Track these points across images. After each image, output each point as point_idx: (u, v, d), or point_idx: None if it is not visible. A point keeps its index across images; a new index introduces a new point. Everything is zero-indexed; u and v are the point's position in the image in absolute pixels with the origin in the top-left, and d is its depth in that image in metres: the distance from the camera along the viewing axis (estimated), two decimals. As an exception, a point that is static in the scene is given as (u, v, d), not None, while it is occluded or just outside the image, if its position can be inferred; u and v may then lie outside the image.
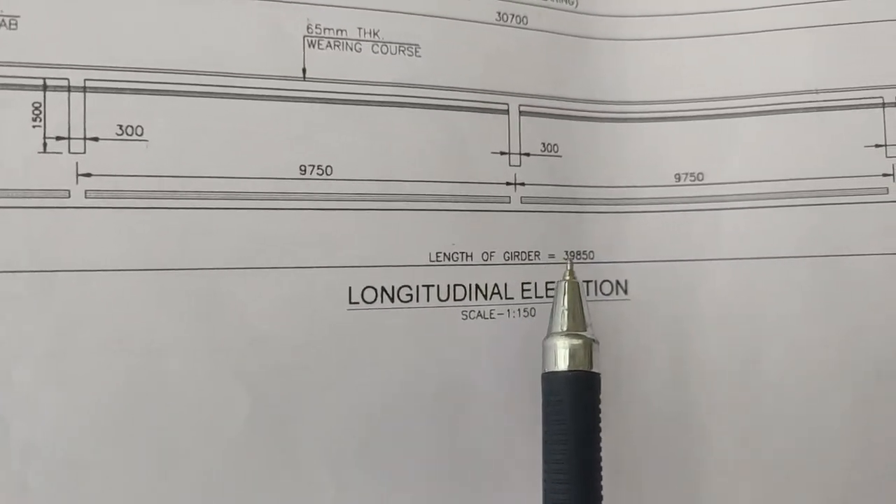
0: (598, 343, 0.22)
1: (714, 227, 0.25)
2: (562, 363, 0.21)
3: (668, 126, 0.26)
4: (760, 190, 0.25)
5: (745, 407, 0.25)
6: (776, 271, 0.25)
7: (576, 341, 0.21)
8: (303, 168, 0.22)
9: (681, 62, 0.26)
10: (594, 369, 0.21)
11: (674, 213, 0.25)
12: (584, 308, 0.22)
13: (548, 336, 0.22)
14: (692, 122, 0.26)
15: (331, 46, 0.22)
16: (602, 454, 0.22)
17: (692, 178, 0.25)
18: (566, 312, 0.22)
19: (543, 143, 0.24)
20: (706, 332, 0.25)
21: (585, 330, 0.22)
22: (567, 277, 0.22)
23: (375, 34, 0.22)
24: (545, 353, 0.22)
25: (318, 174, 0.22)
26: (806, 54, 0.25)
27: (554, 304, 0.22)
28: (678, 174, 0.25)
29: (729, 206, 0.25)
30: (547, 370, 0.22)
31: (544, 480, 0.21)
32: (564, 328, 0.22)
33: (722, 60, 0.26)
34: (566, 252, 0.24)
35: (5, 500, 0.19)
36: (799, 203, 0.25)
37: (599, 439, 0.21)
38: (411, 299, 0.23)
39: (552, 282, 0.24)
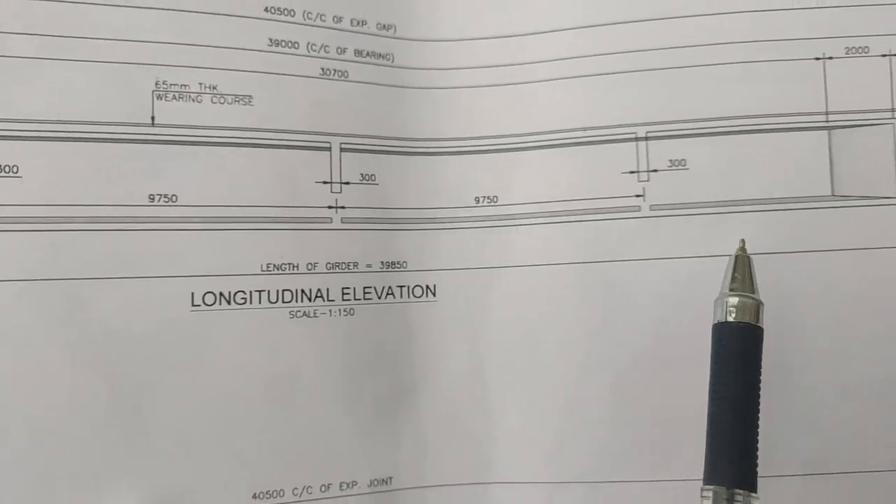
0: (763, 305, 0.25)
1: (506, 241, 0.30)
2: (731, 316, 0.24)
3: (468, 158, 0.30)
4: (542, 210, 0.30)
5: (527, 386, 0.29)
6: (554, 276, 0.29)
7: (745, 299, 0.25)
8: (152, 196, 0.27)
9: (479, 106, 0.30)
10: (759, 324, 0.24)
11: (474, 229, 0.30)
12: (753, 276, 0.25)
13: (719, 296, 0.25)
14: (488, 154, 0.30)
15: (176, 98, 0.27)
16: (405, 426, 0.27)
17: (488, 201, 0.30)
18: (738, 277, 0.25)
19: (362, 174, 0.30)
20: (499, 326, 0.29)
21: (754, 293, 0.25)
22: (738, 253, 0.25)
23: (214, 88, 0.28)
24: (716, 308, 0.25)
25: (164, 201, 0.27)
26: (576, 99, 0.29)
27: (727, 271, 0.25)
28: (477, 197, 0.30)
29: (518, 224, 0.30)
30: (717, 321, 0.25)
31: (709, 423, 0.24)
32: (735, 289, 0.25)
33: (511, 105, 0.30)
34: (741, 241, 0.26)
35: None
36: (571, 220, 0.29)
37: (760, 382, 0.24)
38: (245, 302, 0.28)
39: (369, 286, 0.30)
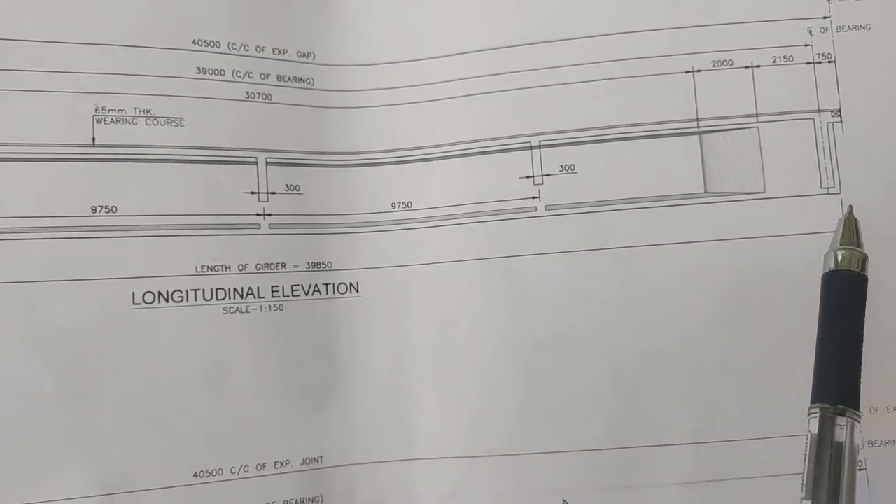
0: (868, 258, 0.28)
1: (420, 241, 0.32)
2: (840, 265, 0.28)
3: (384, 168, 0.33)
4: (450, 213, 0.32)
5: (443, 370, 0.32)
6: (464, 271, 0.32)
7: (852, 251, 0.28)
8: (94, 208, 0.30)
9: (392, 122, 0.33)
10: (865, 273, 0.28)
11: (391, 231, 0.33)
12: (860, 234, 0.28)
13: (829, 250, 0.29)
14: (401, 164, 0.33)
15: (114, 122, 0.30)
16: (333, 409, 0.31)
17: (403, 206, 0.33)
18: (846, 234, 0.28)
19: (287, 185, 0.33)
20: (417, 317, 0.32)
21: (860, 246, 0.28)
22: (847, 215, 0.29)
23: (148, 112, 0.31)
24: (826, 259, 0.28)
25: (105, 212, 0.30)
26: (476, 114, 0.32)
27: (836, 230, 0.29)
28: (393, 203, 0.33)
29: (430, 225, 0.32)
30: (826, 270, 0.28)
31: (817, 353, 0.27)
32: (844, 244, 0.28)
33: (420, 120, 0.33)
34: (849, 207, 0.30)
35: None
36: (476, 220, 0.32)
37: (863, 322, 0.27)
38: (182, 300, 0.31)
39: (297, 285, 0.33)
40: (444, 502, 0.32)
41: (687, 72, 0.33)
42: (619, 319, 0.31)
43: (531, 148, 0.32)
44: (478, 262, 0.32)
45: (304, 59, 0.33)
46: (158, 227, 0.30)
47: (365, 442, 0.32)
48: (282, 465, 0.31)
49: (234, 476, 0.30)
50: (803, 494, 0.26)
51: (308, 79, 0.33)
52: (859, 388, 0.27)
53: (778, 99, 0.33)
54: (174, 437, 0.30)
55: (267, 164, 0.32)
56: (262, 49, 0.33)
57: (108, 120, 0.30)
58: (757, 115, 0.33)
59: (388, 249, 0.33)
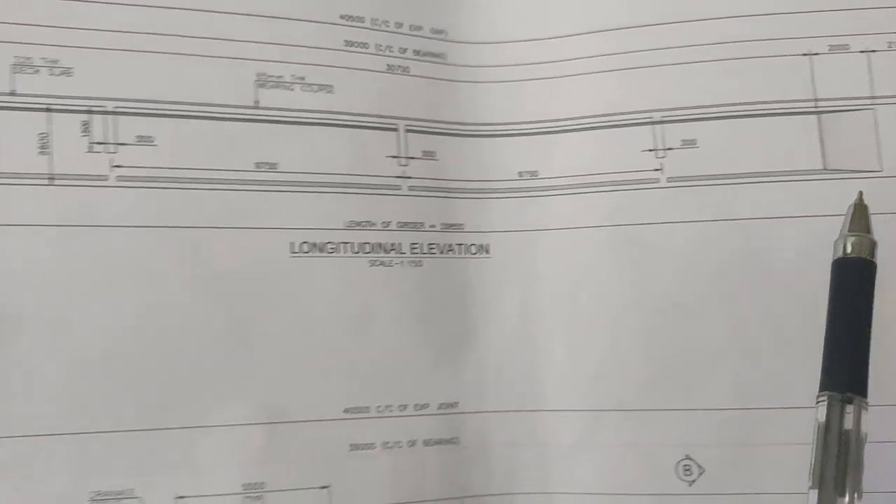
0: (877, 243, 0.27)
1: (546, 208, 0.34)
2: (849, 251, 0.28)
3: (512, 140, 0.35)
4: (575, 182, 0.34)
5: (570, 329, 0.33)
6: (589, 237, 0.33)
7: (861, 238, 0.28)
8: (258, 164, 0.32)
9: (520, 97, 0.35)
10: (874, 260, 0.27)
11: (518, 198, 0.35)
12: (869, 219, 0.28)
13: (839, 237, 0.28)
14: (528, 136, 0.35)
15: (273, 86, 0.33)
16: (468, 359, 0.33)
17: (530, 175, 0.35)
18: (854, 219, 0.28)
19: (423, 151, 0.35)
20: (544, 279, 0.34)
21: (869, 232, 0.28)
22: (857, 202, 0.28)
23: (303, 79, 0.33)
24: (836, 246, 0.28)
25: (268, 168, 0.32)
26: (602, 90, 0.34)
27: (846, 216, 0.28)
28: (520, 172, 0.35)
29: (555, 194, 0.34)
30: (836, 257, 0.28)
31: (826, 341, 0.27)
32: (853, 230, 0.28)
33: (548, 95, 0.34)
34: (859, 192, 0.29)
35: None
36: (600, 190, 0.34)
37: (872, 309, 0.27)
38: (334, 251, 0.33)
39: (433, 243, 0.34)
40: (572, 450, 0.33)
41: (804, 55, 0.34)
42: (740, 286, 0.32)
43: (653, 123, 0.33)
44: (602, 228, 0.33)
45: (437, 36, 0.36)
46: (313, 184, 0.33)
47: (497, 391, 0.34)
48: (421, 407, 0.33)
49: (379, 414, 0.32)
50: (810, 483, 0.25)
51: (441, 54, 0.36)
52: (867, 376, 0.26)
53: (893, 82, 0.34)
54: (326, 374, 0.32)
55: (406, 131, 0.34)
56: (401, 25, 0.35)
57: (269, 85, 0.33)
58: (873, 98, 0.34)
59: (515, 214, 0.34)
